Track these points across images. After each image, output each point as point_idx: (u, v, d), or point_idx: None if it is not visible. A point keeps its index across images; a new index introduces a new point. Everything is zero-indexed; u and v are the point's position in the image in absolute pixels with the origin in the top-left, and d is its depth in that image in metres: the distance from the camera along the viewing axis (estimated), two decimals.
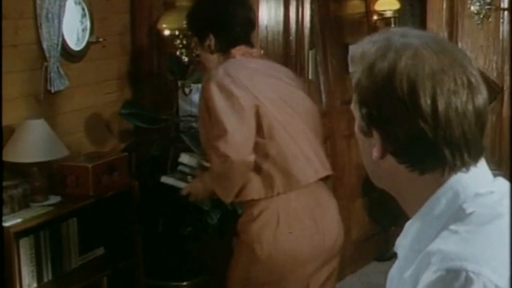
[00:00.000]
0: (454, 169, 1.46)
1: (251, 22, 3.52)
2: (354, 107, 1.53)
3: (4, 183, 3.66)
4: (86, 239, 4.08)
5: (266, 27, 4.72)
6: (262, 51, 3.76)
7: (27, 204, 3.69)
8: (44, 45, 3.92)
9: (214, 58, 3.47)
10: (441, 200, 1.48)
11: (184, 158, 3.80)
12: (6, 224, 3.49)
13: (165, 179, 3.78)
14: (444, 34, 4.20)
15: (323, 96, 5.58)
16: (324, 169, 3.47)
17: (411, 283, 1.43)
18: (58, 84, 3.99)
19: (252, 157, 3.29)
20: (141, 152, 4.45)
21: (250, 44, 3.50)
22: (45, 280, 3.85)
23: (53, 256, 3.89)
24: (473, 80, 1.46)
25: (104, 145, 4.47)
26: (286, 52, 4.74)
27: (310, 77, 5.39)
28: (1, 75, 3.36)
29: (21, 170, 3.82)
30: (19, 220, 3.56)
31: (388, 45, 1.48)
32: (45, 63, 3.94)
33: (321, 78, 5.61)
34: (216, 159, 3.27)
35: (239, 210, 4.24)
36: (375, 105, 1.47)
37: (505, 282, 1.34)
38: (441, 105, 1.42)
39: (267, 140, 3.32)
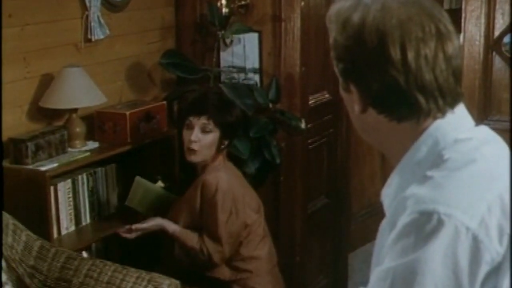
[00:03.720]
0: (429, 115, 1.52)
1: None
2: (334, 66, 1.60)
3: (42, 129, 3.79)
4: (125, 186, 4.19)
5: None
6: None
7: (64, 149, 3.79)
8: None
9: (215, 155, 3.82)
10: (421, 147, 1.53)
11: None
12: (42, 168, 3.60)
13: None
14: None
15: None
16: None
17: (388, 228, 1.49)
18: (98, 33, 4.07)
19: None
20: (182, 102, 4.50)
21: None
22: (83, 223, 3.98)
23: (91, 200, 4.01)
24: (441, 27, 1.51)
25: (145, 94, 4.54)
26: (328, 3, 4.71)
27: None
28: (1, 78, 3.47)
29: (59, 117, 3.93)
30: (55, 164, 3.66)
31: (358, 1, 1.54)
32: (86, 12, 4.02)
33: None
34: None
35: (277, 159, 4.32)
36: (349, 59, 1.54)
37: (475, 222, 1.39)
38: (410, 54, 1.47)
39: None
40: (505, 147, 1.59)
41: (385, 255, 1.44)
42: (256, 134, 4.28)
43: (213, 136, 3.76)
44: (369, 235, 5.87)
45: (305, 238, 4.68)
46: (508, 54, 4.15)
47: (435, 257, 1.36)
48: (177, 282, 3.40)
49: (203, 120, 3.74)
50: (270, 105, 4.39)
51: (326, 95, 4.83)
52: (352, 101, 1.57)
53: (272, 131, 4.40)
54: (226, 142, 3.81)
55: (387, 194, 1.61)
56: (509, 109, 3.96)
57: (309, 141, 4.66)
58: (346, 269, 5.29)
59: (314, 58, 4.63)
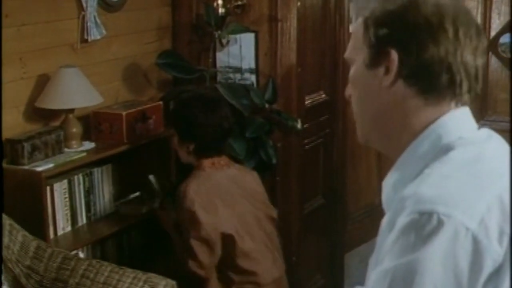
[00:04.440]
0: (455, 97, 1.56)
1: (223, 131, 3.78)
2: (361, 38, 1.60)
3: (39, 130, 3.79)
4: (121, 186, 4.19)
5: None
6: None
7: (60, 150, 3.79)
8: None
9: (189, 158, 3.81)
10: (424, 142, 1.55)
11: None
12: (38, 168, 3.60)
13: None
14: None
15: None
16: None
17: (388, 227, 1.48)
18: (94, 33, 4.07)
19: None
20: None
21: (219, 153, 3.83)
22: (80, 224, 3.98)
23: (87, 201, 4.01)
24: (478, 25, 1.63)
25: (141, 95, 4.54)
26: (325, 3, 4.72)
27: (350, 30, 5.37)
28: (1, 78, 3.47)
29: (56, 117, 3.93)
30: (51, 165, 3.66)
31: None
32: (82, 13, 4.02)
33: None
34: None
35: (273, 159, 4.32)
36: (398, 23, 1.55)
37: (475, 223, 1.38)
38: (461, 30, 1.54)
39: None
40: (506, 148, 1.60)
41: (384, 255, 1.44)
42: (252, 134, 4.29)
43: (175, 139, 3.84)
44: (366, 235, 5.88)
45: (302, 238, 4.68)
46: (504, 55, 4.16)
47: (435, 257, 1.36)
48: (173, 282, 3.40)
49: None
50: (266, 105, 4.40)
51: (323, 95, 4.84)
52: (376, 77, 1.57)
53: (268, 131, 4.40)
54: (190, 146, 3.78)
55: (387, 185, 1.62)
56: (509, 110, 3.96)
57: (305, 141, 4.66)
58: (343, 269, 5.29)
59: (311, 59, 4.63)
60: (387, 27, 1.55)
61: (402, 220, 1.41)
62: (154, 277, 3.40)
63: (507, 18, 4.09)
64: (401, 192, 1.49)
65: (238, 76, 4.51)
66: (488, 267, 1.38)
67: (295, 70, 4.42)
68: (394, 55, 1.54)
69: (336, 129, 4.99)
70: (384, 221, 1.53)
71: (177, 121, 3.83)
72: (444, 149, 1.52)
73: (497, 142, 1.60)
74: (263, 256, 3.80)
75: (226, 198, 3.75)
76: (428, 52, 1.51)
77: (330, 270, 5.15)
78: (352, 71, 1.64)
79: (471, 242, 1.37)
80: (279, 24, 4.38)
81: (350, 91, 1.68)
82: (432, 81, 1.53)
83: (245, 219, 3.78)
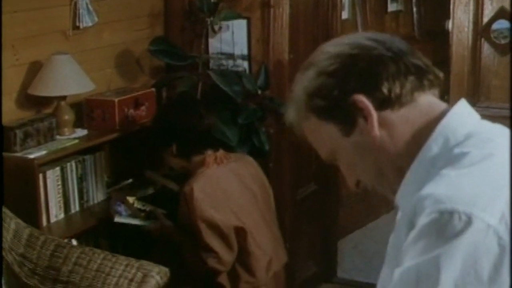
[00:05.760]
0: (431, 88, 1.58)
1: (200, 125, 3.74)
2: (325, 132, 1.64)
3: (31, 117, 3.78)
4: (113, 173, 4.19)
5: None
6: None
7: (53, 137, 3.79)
8: None
9: (181, 162, 3.78)
10: (432, 147, 1.53)
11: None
12: (31, 156, 3.60)
13: (118, 219, 3.88)
14: None
15: None
16: None
17: (406, 228, 1.46)
18: (86, 20, 4.06)
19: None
20: (171, 89, 4.51)
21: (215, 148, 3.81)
22: (72, 211, 3.98)
23: (80, 188, 4.00)
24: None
25: (134, 81, 4.53)
26: None
27: (345, 16, 5.38)
28: (1, 73, 3.46)
29: (48, 104, 3.93)
30: (44, 152, 3.66)
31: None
32: (74, 0, 4.02)
33: (358, 18, 5.59)
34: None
35: (266, 146, 4.32)
36: (346, 87, 1.56)
37: (496, 219, 1.37)
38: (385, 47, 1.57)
39: None
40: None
41: (405, 254, 1.43)
42: (245, 121, 4.29)
43: (168, 154, 3.80)
44: (359, 221, 5.91)
45: (295, 224, 4.69)
46: (496, 41, 4.16)
47: (456, 254, 1.35)
48: (166, 269, 3.40)
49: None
50: (259, 92, 4.40)
51: None
52: (362, 136, 1.58)
53: (261, 117, 4.40)
54: (172, 148, 3.77)
55: (403, 194, 1.59)
56: (509, 97, 3.96)
57: None
58: (336, 255, 5.31)
59: (303, 45, 4.62)
60: (329, 96, 1.57)
61: (422, 220, 1.40)
62: (147, 265, 3.40)
63: (500, 4, 4.08)
64: (418, 193, 1.47)
65: (230, 62, 4.51)
66: (508, 262, 1.36)
67: (288, 56, 4.42)
68: (361, 101, 1.54)
69: None
70: (401, 221, 1.52)
71: (155, 130, 3.84)
72: (454, 150, 1.51)
73: (504, 132, 1.58)
74: (267, 250, 3.82)
75: (231, 193, 3.75)
76: (386, 76, 1.54)
77: (323, 256, 5.16)
78: (343, 159, 1.68)
79: (493, 239, 1.36)
80: (272, 10, 4.37)
81: (354, 176, 1.72)
82: (402, 92, 1.54)
83: (250, 214, 3.78)
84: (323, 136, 1.64)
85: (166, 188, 4.10)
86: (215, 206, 3.63)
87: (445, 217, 1.37)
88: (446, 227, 1.37)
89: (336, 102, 1.57)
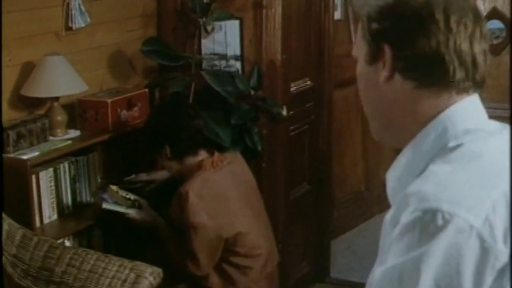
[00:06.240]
0: (457, 88, 1.53)
1: (191, 126, 3.78)
2: (360, 36, 1.59)
3: (24, 118, 3.78)
4: (107, 173, 4.18)
5: None
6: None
7: (46, 138, 3.78)
8: None
9: (175, 165, 3.80)
10: (430, 133, 1.52)
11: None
12: (24, 157, 3.60)
13: (106, 205, 3.86)
14: None
15: (353, 36, 5.57)
16: None
17: (392, 224, 1.46)
18: (79, 21, 4.05)
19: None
20: (164, 89, 4.51)
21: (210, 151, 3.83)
22: (66, 212, 3.97)
23: (73, 189, 4.00)
24: (477, 8, 1.58)
25: (127, 82, 4.53)
26: None
27: (337, 17, 5.38)
28: (1, 72, 3.45)
29: (41, 105, 3.92)
30: (37, 153, 3.66)
31: None
32: (67, 0, 4.01)
33: (351, 18, 5.59)
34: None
35: (258, 147, 4.33)
36: (388, 18, 1.54)
37: (480, 221, 1.36)
38: (452, 18, 1.50)
39: None
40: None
41: (387, 251, 1.43)
42: (238, 121, 4.29)
43: (161, 158, 3.81)
44: (352, 222, 5.91)
45: (288, 225, 4.70)
46: (489, 41, 4.17)
47: (438, 254, 1.34)
48: (159, 270, 3.40)
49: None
50: (252, 92, 4.40)
51: (308, 82, 4.84)
52: (375, 72, 1.57)
53: (254, 118, 4.40)
54: (166, 150, 3.77)
55: (391, 177, 1.60)
56: (509, 98, 3.97)
57: (291, 128, 4.66)
58: (329, 255, 5.31)
59: (296, 45, 4.63)
60: (378, 23, 1.54)
61: (406, 218, 1.39)
62: (140, 265, 3.40)
63: (492, 4, 4.10)
64: (406, 188, 1.47)
65: (223, 63, 4.51)
66: (492, 266, 1.35)
67: (280, 56, 4.42)
68: (387, 49, 1.53)
69: (322, 115, 5.00)
70: (388, 217, 1.52)
71: (146, 132, 3.86)
72: (449, 143, 1.50)
73: (503, 133, 1.56)
74: (262, 251, 3.84)
75: (228, 197, 3.77)
76: (419, 45, 1.50)
77: (316, 256, 5.17)
78: (357, 68, 1.63)
79: (475, 240, 1.35)
80: (264, 11, 4.38)
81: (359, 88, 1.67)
82: (426, 73, 1.52)
83: (245, 217, 3.80)
84: (358, 42, 1.62)
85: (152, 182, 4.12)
86: (209, 212, 3.64)
87: (428, 216, 1.36)
88: (428, 225, 1.36)
89: (371, 35, 1.56)
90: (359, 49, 1.61)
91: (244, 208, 3.81)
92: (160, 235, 3.78)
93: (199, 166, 3.73)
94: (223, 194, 3.75)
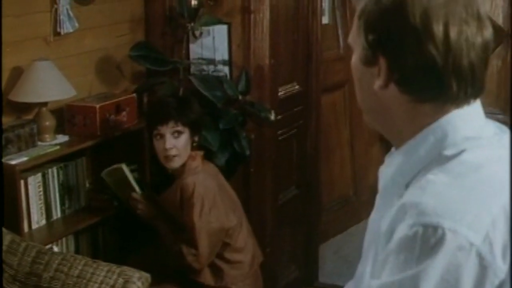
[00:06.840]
0: (454, 101, 1.48)
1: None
2: (356, 34, 1.53)
3: (12, 123, 3.77)
4: (95, 179, 4.18)
5: None
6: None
7: (34, 143, 3.78)
8: None
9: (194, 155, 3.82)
10: (429, 137, 1.48)
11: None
12: (12, 162, 3.60)
13: (125, 168, 3.91)
14: None
15: (341, 40, 5.59)
16: None
17: (387, 236, 1.43)
18: (67, 26, 4.05)
19: None
20: (152, 94, 4.51)
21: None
22: (54, 217, 3.97)
23: (61, 194, 4.00)
24: (481, 12, 1.49)
25: (115, 87, 4.53)
26: None
27: (325, 21, 5.40)
28: (1, 71, 3.45)
29: (29, 110, 3.92)
30: (25, 158, 3.66)
31: None
32: (55, 6, 4.01)
33: (339, 22, 5.61)
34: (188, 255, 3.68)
35: (247, 151, 4.33)
36: (384, 30, 1.47)
37: (480, 238, 1.34)
38: (453, 32, 1.43)
39: None
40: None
41: (384, 265, 1.40)
42: (226, 126, 4.30)
43: (185, 136, 3.77)
44: (340, 226, 5.92)
45: (276, 229, 4.70)
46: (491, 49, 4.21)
47: (437, 271, 1.33)
48: (148, 275, 3.41)
49: (171, 125, 3.74)
50: (240, 97, 4.40)
51: (296, 87, 4.85)
52: (372, 76, 1.51)
53: (242, 122, 4.41)
54: (196, 138, 3.82)
55: (385, 174, 1.57)
56: (509, 107, 3.96)
57: (278, 132, 4.67)
58: (317, 260, 5.32)
59: (284, 50, 4.64)
60: (373, 31, 1.48)
61: (404, 230, 1.37)
62: (128, 270, 3.40)
63: (487, 8, 4.12)
64: (397, 190, 1.46)
65: (211, 67, 4.51)
66: (491, 283, 1.34)
67: (268, 61, 4.43)
68: (382, 61, 1.47)
69: (310, 120, 5.01)
70: (375, 215, 1.49)
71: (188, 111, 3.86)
72: (446, 152, 1.46)
73: (506, 141, 1.52)
74: (249, 247, 3.91)
75: (227, 188, 3.92)
76: (415, 59, 1.44)
77: (304, 261, 5.17)
78: (352, 58, 1.57)
79: (475, 258, 1.33)
80: (252, 16, 4.39)
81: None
82: (423, 87, 1.46)
83: (239, 210, 3.91)
84: (355, 33, 1.55)
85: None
86: (213, 203, 3.69)
87: (429, 232, 1.34)
88: (428, 241, 1.34)
89: (368, 43, 1.50)
90: (355, 41, 1.55)
91: (234, 202, 3.91)
92: (159, 227, 3.80)
93: (193, 158, 3.80)
94: (223, 184, 3.86)
